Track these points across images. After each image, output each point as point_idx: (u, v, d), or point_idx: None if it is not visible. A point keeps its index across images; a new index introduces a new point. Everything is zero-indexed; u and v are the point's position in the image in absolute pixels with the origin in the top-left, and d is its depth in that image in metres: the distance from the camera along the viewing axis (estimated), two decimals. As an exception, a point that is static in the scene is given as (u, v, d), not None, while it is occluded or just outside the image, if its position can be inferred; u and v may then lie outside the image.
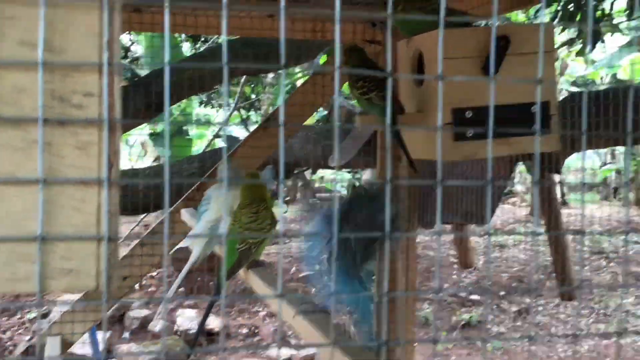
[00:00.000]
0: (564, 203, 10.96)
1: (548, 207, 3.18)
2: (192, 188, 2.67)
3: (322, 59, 4.60)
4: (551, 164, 2.98)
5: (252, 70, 4.33)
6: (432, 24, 1.95)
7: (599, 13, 5.20)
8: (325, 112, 6.04)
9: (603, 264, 7.93)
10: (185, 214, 2.61)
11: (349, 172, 7.90)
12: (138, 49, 7.56)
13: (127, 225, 7.32)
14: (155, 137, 8.52)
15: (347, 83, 2.12)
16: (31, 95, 0.60)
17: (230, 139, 4.77)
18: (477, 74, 1.88)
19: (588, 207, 10.07)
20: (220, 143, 8.65)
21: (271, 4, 2.40)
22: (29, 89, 0.60)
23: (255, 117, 9.99)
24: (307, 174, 9.13)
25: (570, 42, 6.69)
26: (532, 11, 5.71)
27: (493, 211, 3.16)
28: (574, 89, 12.27)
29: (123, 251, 2.81)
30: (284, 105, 2.77)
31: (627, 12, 4.84)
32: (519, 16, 7.05)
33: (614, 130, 2.72)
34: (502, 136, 1.90)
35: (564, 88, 11.24)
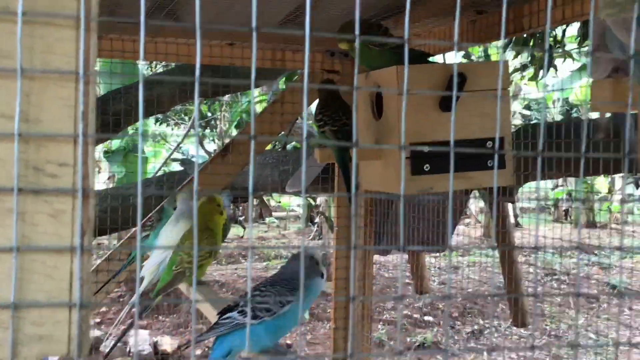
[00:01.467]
0: (517, 224, 11.12)
1: (502, 236, 3.24)
2: (150, 215, 2.65)
3: (281, 82, 4.62)
4: (505, 194, 3.03)
5: (211, 93, 4.33)
6: (390, 60, 1.98)
7: (551, 39, 5.33)
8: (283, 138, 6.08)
9: (555, 285, 8.06)
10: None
11: (306, 197, 7.93)
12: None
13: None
14: (109, 155, 8.42)
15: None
16: (6, 165, 0.59)
17: (185, 163, 4.74)
18: (433, 110, 1.91)
19: (540, 229, 10.22)
20: (175, 164, 8.59)
21: (238, 35, 2.42)
22: (4, 159, 0.60)
23: (210, 135, 9.96)
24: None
25: (523, 68, 6.82)
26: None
27: (446, 239, 3.20)
28: (527, 112, 12.51)
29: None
30: (242, 131, 2.77)
31: (578, 39, 5.00)
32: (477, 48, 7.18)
33: (566, 161, 2.79)
34: (458, 170, 1.93)
35: (517, 111, 11.44)
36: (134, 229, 2.80)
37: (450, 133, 1.89)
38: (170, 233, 2.19)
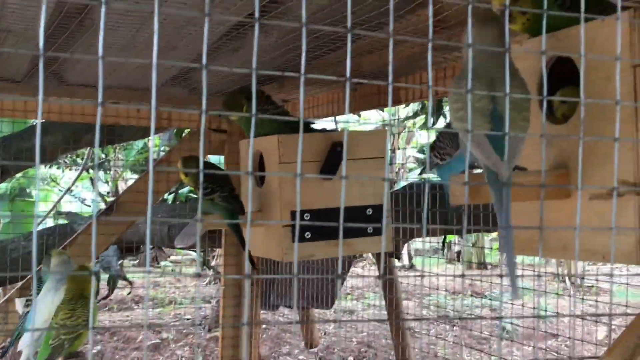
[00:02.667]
0: (411, 266, 11.34)
1: (389, 291, 3.31)
2: (28, 277, 2.57)
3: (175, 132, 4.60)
4: (391, 253, 3.10)
5: (106, 141, 4.26)
6: (274, 128, 2.01)
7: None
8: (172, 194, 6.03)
9: (447, 328, 8.23)
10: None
11: (195, 251, 7.85)
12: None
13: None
14: (-6, 199, 8.10)
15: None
16: None
17: (71, 216, 4.63)
18: (314, 179, 1.95)
19: (433, 270, 10.44)
20: (66, 206, 8.33)
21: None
22: None
23: (104, 177, 9.75)
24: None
25: (414, 115, 7.04)
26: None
27: (334, 297, 3.25)
28: (420, 155, 12.87)
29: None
30: (127, 193, 2.74)
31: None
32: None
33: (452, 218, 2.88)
34: (338, 237, 1.97)
35: (411, 155, 11.74)
36: (12, 291, 2.69)
37: (330, 200, 1.93)
38: (45, 305, 2.12)
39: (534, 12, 1.12)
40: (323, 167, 1.96)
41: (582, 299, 7.16)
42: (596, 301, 5.99)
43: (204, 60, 0.62)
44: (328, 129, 2.17)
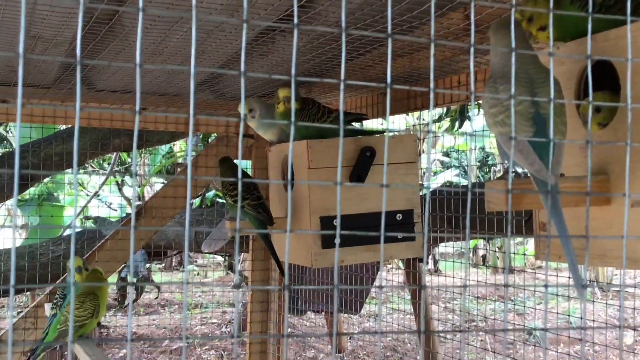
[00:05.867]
0: (437, 270, 11.28)
1: (418, 293, 3.28)
2: (58, 281, 2.58)
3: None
4: (417, 258, 3.07)
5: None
6: (312, 132, 2.00)
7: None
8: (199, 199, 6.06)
9: (473, 333, 8.17)
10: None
11: (222, 255, 7.87)
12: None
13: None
14: (22, 204, 8.17)
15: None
16: None
17: (99, 220, 4.65)
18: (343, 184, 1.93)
19: (458, 275, 10.39)
20: (93, 211, 8.38)
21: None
22: None
23: (130, 182, 9.79)
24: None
25: (439, 119, 7.00)
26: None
27: (362, 303, 3.23)
28: (446, 159, 12.80)
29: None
30: (154, 198, 2.73)
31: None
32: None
33: (479, 223, 2.85)
34: (368, 243, 1.95)
35: (437, 159, 11.68)
36: (42, 295, 2.70)
37: (359, 206, 1.91)
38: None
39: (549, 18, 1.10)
40: (353, 172, 1.94)
41: (606, 303, 7.07)
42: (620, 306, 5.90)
43: (242, 67, 0.61)
44: (364, 129, 2.15)
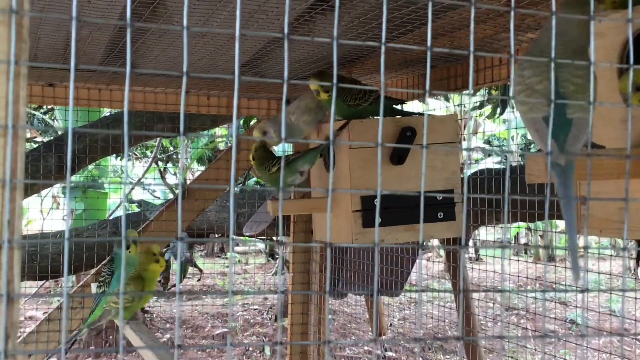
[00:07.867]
0: (478, 258, 11.21)
1: (457, 273, 3.28)
2: (104, 262, 2.63)
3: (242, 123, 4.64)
4: (457, 242, 3.06)
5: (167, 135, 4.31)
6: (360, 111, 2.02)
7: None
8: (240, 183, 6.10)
9: (514, 320, 8.12)
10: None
11: (263, 239, 7.93)
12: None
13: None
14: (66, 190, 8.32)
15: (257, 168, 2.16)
16: None
17: (143, 204, 4.72)
18: (384, 163, 1.94)
19: (499, 264, 10.30)
20: (137, 195, 8.51)
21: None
22: None
23: (172, 169, 9.92)
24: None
25: (480, 105, 6.94)
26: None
27: (403, 284, 3.23)
28: (487, 146, 12.69)
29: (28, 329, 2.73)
30: (196, 181, 2.77)
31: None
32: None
33: (520, 206, 2.84)
34: (409, 223, 1.96)
35: (477, 146, 11.60)
36: (89, 275, 2.77)
37: (400, 185, 1.92)
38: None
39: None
40: (393, 152, 1.95)
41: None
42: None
43: (286, 30, 0.63)
44: (410, 111, 2.15)
